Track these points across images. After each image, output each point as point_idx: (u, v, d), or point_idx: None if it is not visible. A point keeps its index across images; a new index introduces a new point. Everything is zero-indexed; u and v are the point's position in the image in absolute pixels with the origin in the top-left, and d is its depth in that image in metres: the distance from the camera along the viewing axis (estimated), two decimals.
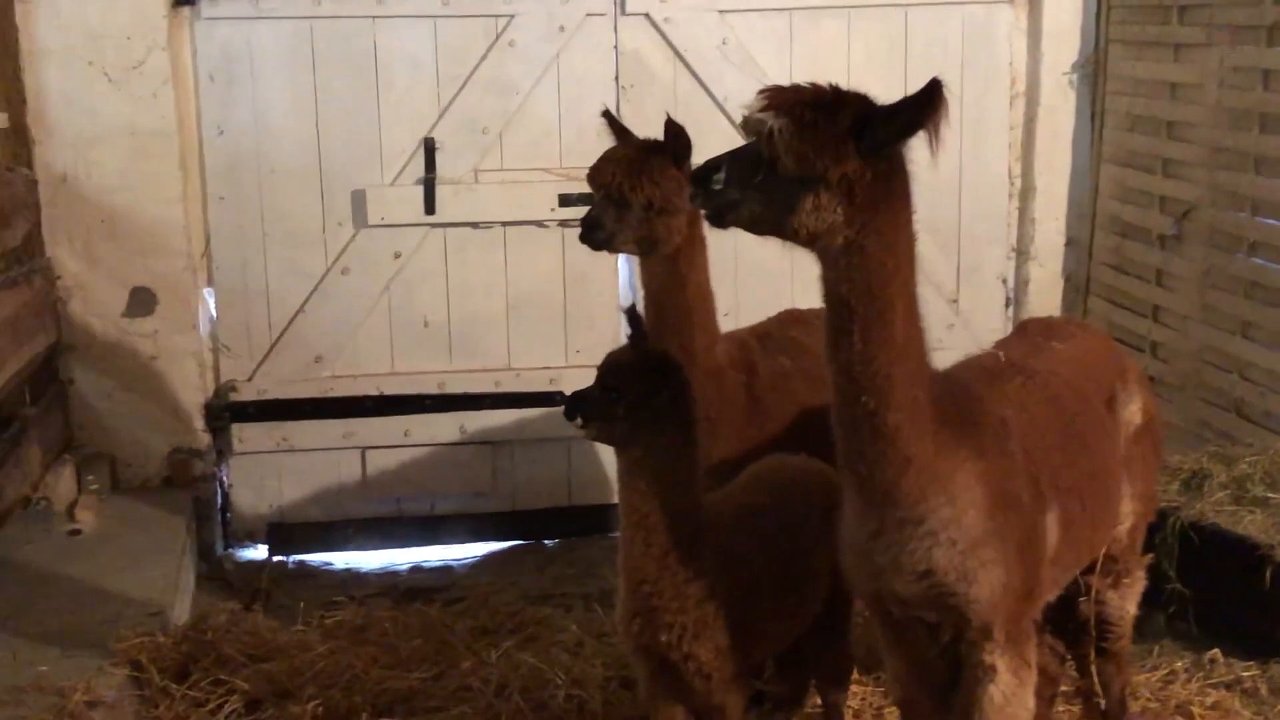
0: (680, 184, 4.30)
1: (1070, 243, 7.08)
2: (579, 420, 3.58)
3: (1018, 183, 7.04)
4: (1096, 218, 6.98)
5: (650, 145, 4.39)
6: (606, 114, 4.63)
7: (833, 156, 3.00)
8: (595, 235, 4.35)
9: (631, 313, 3.71)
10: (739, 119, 6.39)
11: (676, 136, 4.34)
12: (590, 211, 4.38)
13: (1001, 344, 4.09)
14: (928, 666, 3.58)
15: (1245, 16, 5.82)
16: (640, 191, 4.26)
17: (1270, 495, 4.99)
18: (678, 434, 3.58)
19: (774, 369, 4.70)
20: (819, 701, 4.30)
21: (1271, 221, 5.75)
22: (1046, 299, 7.10)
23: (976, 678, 3.43)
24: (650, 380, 3.56)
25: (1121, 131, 6.76)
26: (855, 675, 4.52)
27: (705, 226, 4.44)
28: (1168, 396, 6.16)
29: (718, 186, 3.08)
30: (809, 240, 3.09)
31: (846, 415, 3.18)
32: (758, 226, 3.13)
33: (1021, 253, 7.09)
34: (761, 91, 3.07)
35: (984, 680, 3.42)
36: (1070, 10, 6.86)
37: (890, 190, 3.10)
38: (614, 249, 4.43)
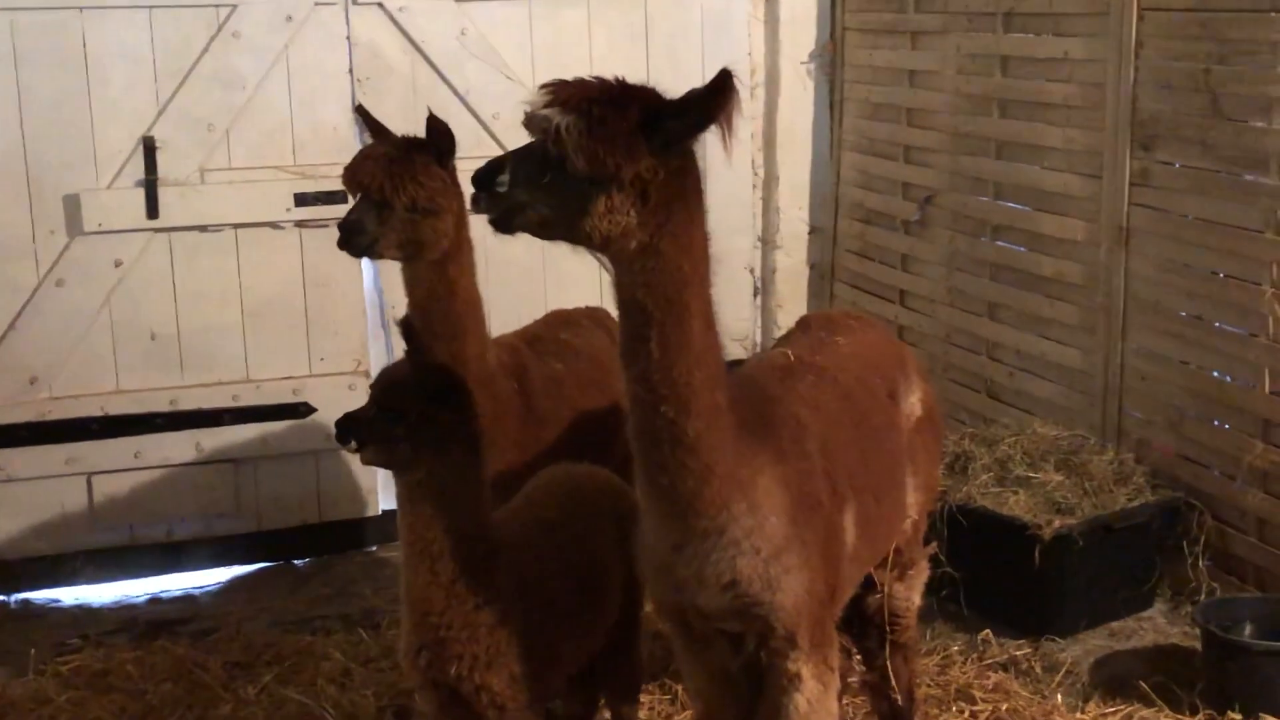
0: (445, 183, 4.08)
1: (814, 230, 7.15)
2: (353, 444, 3.31)
3: (761, 172, 7.06)
4: (840, 205, 7.06)
5: (412, 142, 4.14)
6: (360, 109, 4.37)
7: (625, 154, 2.83)
8: (357, 240, 4.06)
9: (406, 325, 3.47)
10: (481, 111, 6.28)
11: (440, 134, 4.10)
12: (349, 214, 4.09)
13: (786, 341, 4.02)
14: (730, 679, 3.50)
15: (980, 3, 5.95)
16: (404, 192, 4.00)
17: (1032, 475, 5.11)
18: (463, 453, 3.37)
19: (546, 373, 4.54)
20: (608, 716, 4.16)
21: (1013, 205, 5.90)
22: (793, 287, 7.16)
23: (781, 687, 3.36)
24: (431, 398, 3.33)
25: (861, 119, 6.84)
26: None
27: (471, 228, 4.28)
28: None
29: (502, 189, 2.87)
30: (603, 244, 2.92)
31: (646, 426, 3.04)
32: (546, 231, 2.94)
33: (767, 242, 7.12)
34: (544, 86, 2.87)
35: (789, 689, 3.36)
36: None
37: (684, 189, 2.96)
38: (376, 254, 4.16)
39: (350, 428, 3.28)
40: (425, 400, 3.29)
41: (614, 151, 2.82)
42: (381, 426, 3.27)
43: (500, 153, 6.07)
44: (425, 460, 3.29)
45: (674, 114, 2.87)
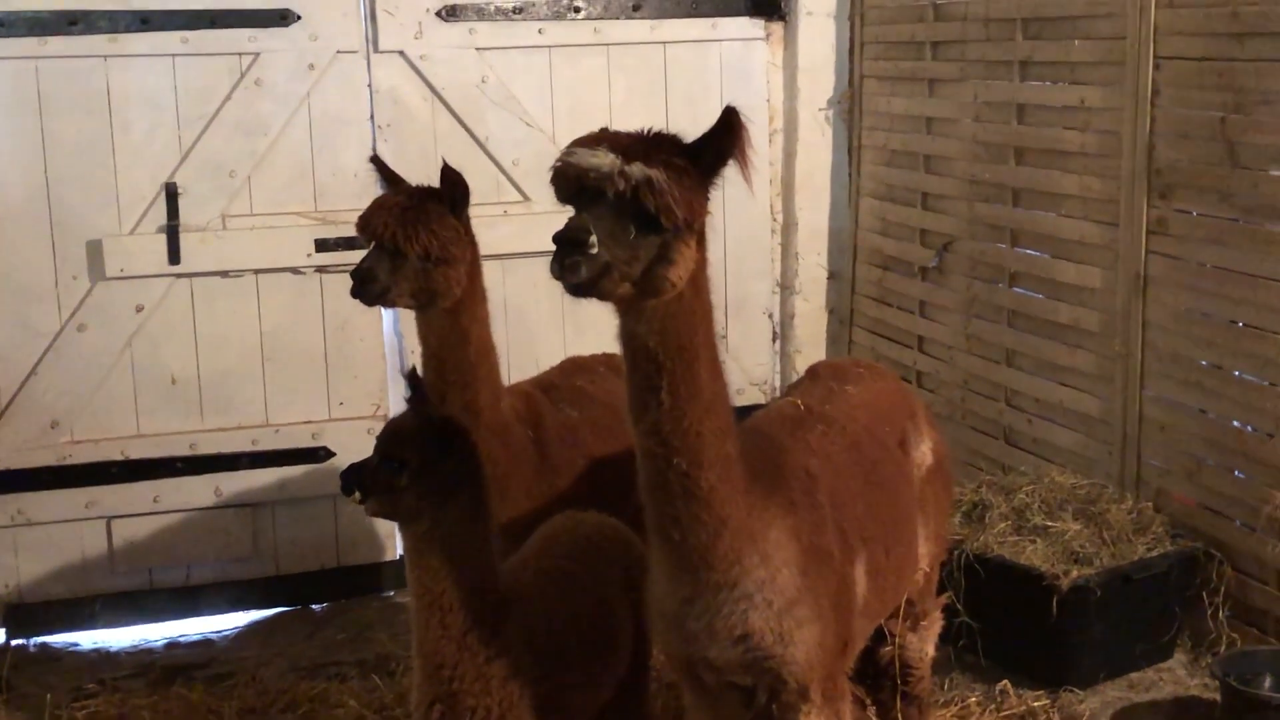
0: (459, 233, 4.11)
1: (833, 276, 7.15)
2: (357, 495, 3.32)
3: (779, 218, 7.08)
4: (858, 251, 7.06)
5: (426, 192, 4.16)
6: (375, 159, 4.39)
7: (703, 200, 2.85)
8: (369, 289, 4.09)
9: (412, 376, 3.48)
10: (501, 158, 6.33)
11: (454, 183, 4.13)
12: (362, 263, 4.11)
13: (796, 390, 4.02)
14: None
15: (997, 52, 5.96)
16: (416, 241, 4.02)
17: (1049, 524, 5.07)
18: (468, 504, 3.36)
19: (561, 421, 4.54)
20: None
21: (1031, 252, 5.89)
22: (812, 332, 7.16)
23: None
24: (435, 448, 3.33)
25: (879, 166, 6.86)
26: None
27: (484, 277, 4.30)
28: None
29: (594, 250, 2.72)
30: (668, 292, 2.84)
31: (657, 479, 3.03)
32: (624, 288, 2.80)
33: (786, 287, 7.12)
34: (595, 141, 2.82)
35: None
36: (824, 47, 6.94)
37: (701, 230, 2.97)
38: (389, 303, 4.18)
39: (354, 478, 3.29)
40: (428, 451, 3.30)
41: (698, 198, 2.83)
42: (385, 477, 3.28)
43: (519, 197, 6.24)
44: (429, 511, 3.29)
45: (711, 155, 2.88)
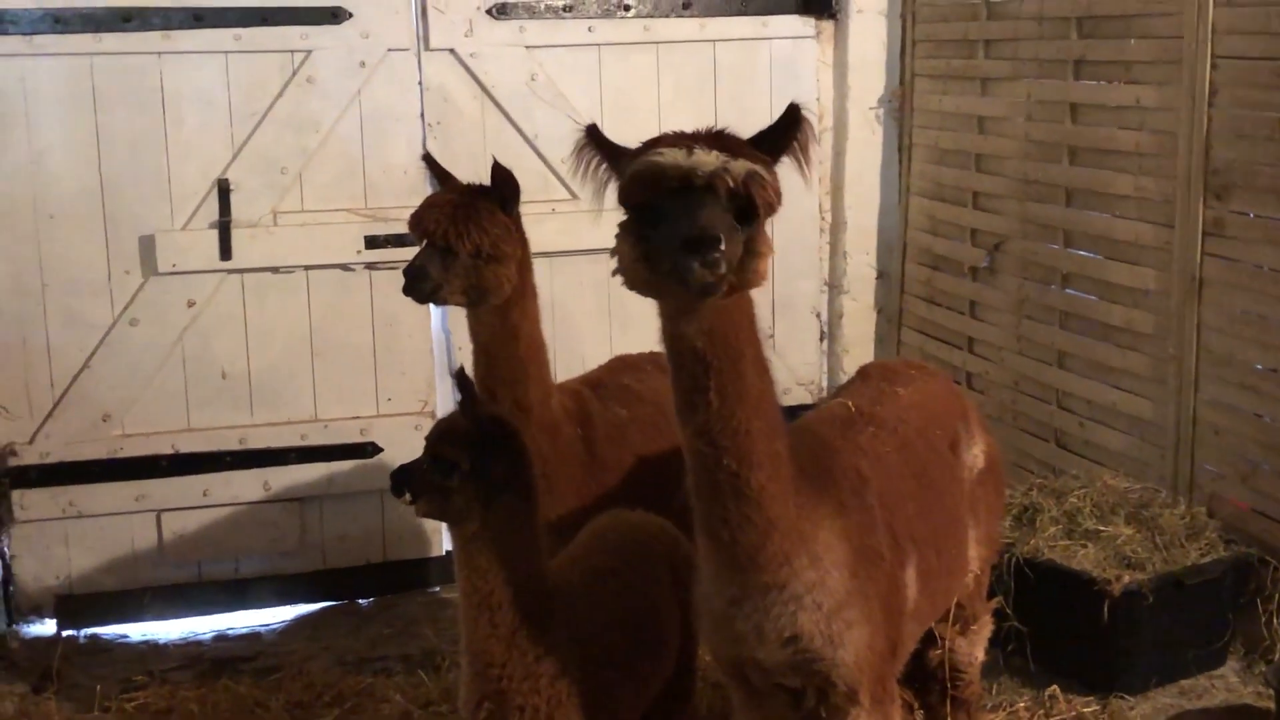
0: (509, 230, 4.12)
1: (881, 275, 7.11)
2: (407, 496, 3.33)
3: (828, 217, 7.04)
4: (907, 250, 7.02)
5: (477, 190, 4.18)
6: (427, 157, 4.40)
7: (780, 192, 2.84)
8: (421, 286, 4.10)
9: (461, 376, 3.47)
10: (549, 156, 6.32)
11: (504, 181, 4.14)
12: (414, 260, 4.13)
13: (846, 392, 4.00)
14: None
15: (1051, 50, 5.90)
16: (468, 239, 4.04)
17: (1101, 528, 5.02)
18: (517, 505, 3.36)
19: (610, 419, 4.54)
20: None
21: (1083, 253, 5.84)
22: (860, 332, 7.12)
23: None
24: (485, 449, 3.33)
25: (930, 165, 6.81)
26: None
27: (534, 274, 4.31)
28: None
29: (724, 247, 2.68)
30: (761, 282, 2.83)
31: (706, 480, 3.01)
32: (722, 284, 2.75)
33: (834, 286, 7.09)
34: (696, 141, 2.79)
35: None
36: (875, 45, 6.89)
37: None
38: (441, 300, 4.19)
39: (404, 479, 3.30)
40: (479, 452, 3.30)
41: (779, 190, 2.83)
42: (435, 478, 3.28)
43: (567, 195, 6.24)
44: (479, 512, 3.29)
45: (772, 149, 2.88)
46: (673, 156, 2.74)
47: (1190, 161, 5.18)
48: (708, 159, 2.72)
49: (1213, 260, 5.17)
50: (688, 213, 2.70)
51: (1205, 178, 5.14)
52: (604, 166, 2.97)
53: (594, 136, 2.95)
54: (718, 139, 2.81)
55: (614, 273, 2.93)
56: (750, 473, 2.98)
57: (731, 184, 2.72)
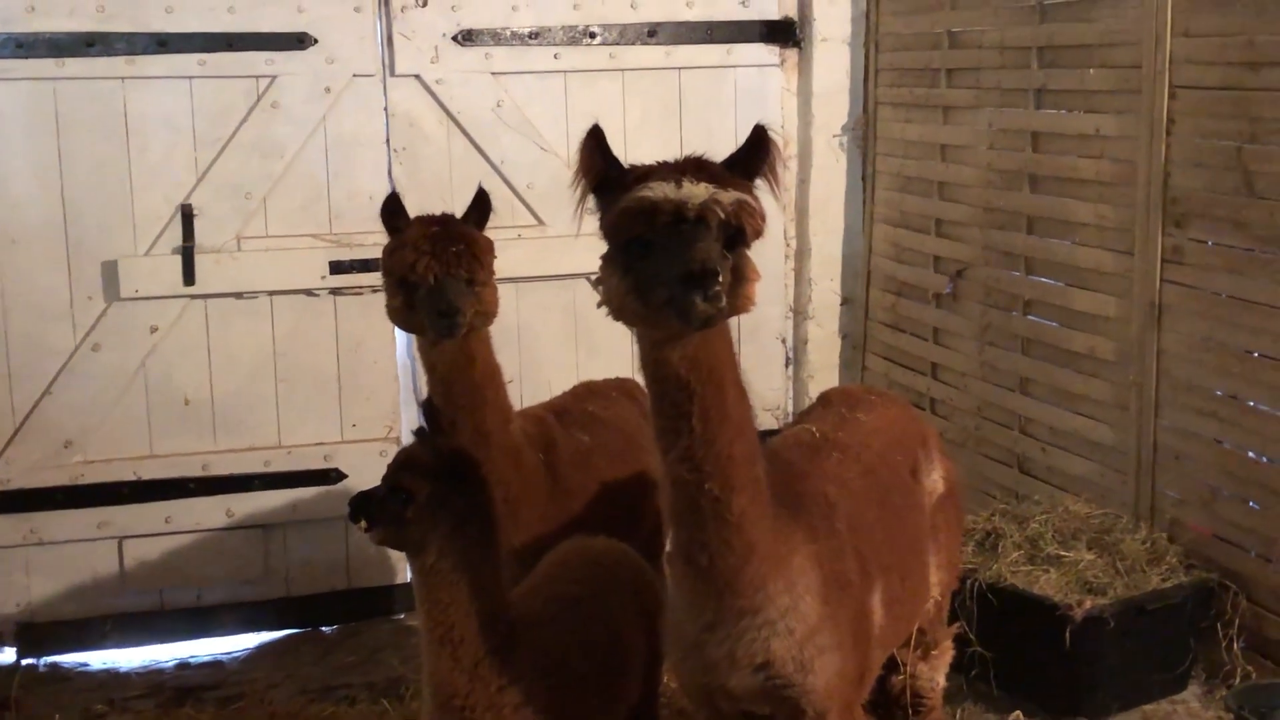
0: (489, 249, 4.19)
1: (846, 302, 7.14)
2: (364, 523, 3.32)
3: (793, 243, 7.07)
4: (871, 277, 7.05)
5: (454, 218, 4.30)
6: (392, 198, 4.40)
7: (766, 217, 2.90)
8: (460, 321, 4.09)
9: (429, 406, 3.48)
10: (515, 182, 6.33)
11: (486, 205, 4.29)
12: (446, 300, 4.08)
13: (809, 417, 4.02)
14: None
15: (1012, 80, 5.96)
16: (482, 267, 4.17)
17: (1063, 553, 5.04)
18: (476, 536, 3.36)
19: (574, 445, 4.55)
20: None
21: (1044, 280, 5.88)
22: (825, 357, 7.14)
23: None
24: (444, 480, 3.33)
25: (893, 192, 6.85)
26: None
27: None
28: (950, 453, 6.22)
29: (720, 286, 2.70)
30: (750, 306, 2.88)
31: (687, 505, 3.01)
32: (721, 316, 2.80)
33: (799, 312, 7.11)
34: (682, 172, 2.81)
35: None
36: (839, 73, 6.93)
37: None
38: (458, 331, 4.15)
39: (361, 506, 3.30)
40: (437, 483, 3.30)
41: (765, 214, 2.89)
42: (392, 507, 3.28)
43: (533, 221, 6.25)
44: (436, 543, 3.29)
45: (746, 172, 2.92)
46: (662, 190, 2.77)
47: (1149, 190, 5.24)
48: (698, 191, 2.75)
49: (1172, 287, 5.22)
50: (682, 246, 2.72)
51: (1164, 206, 5.19)
52: (587, 191, 2.96)
53: (598, 138, 2.93)
54: (699, 168, 2.84)
55: (600, 304, 2.95)
56: (732, 497, 2.99)
57: (722, 215, 2.75)
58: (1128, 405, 5.42)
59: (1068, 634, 4.74)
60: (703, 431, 2.92)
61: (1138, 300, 5.34)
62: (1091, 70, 5.52)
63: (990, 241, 6.14)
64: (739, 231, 2.80)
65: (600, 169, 2.92)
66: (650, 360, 2.92)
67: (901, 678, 4.08)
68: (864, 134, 6.99)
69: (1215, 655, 4.99)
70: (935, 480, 4.09)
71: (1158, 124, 5.17)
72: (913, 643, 4.06)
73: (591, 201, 2.98)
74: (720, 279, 2.68)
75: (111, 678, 5.84)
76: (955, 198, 6.41)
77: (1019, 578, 4.98)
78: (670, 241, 2.74)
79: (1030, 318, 5.97)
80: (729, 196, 2.76)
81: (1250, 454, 4.98)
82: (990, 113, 6.10)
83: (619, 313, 2.89)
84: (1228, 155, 4.92)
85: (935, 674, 4.21)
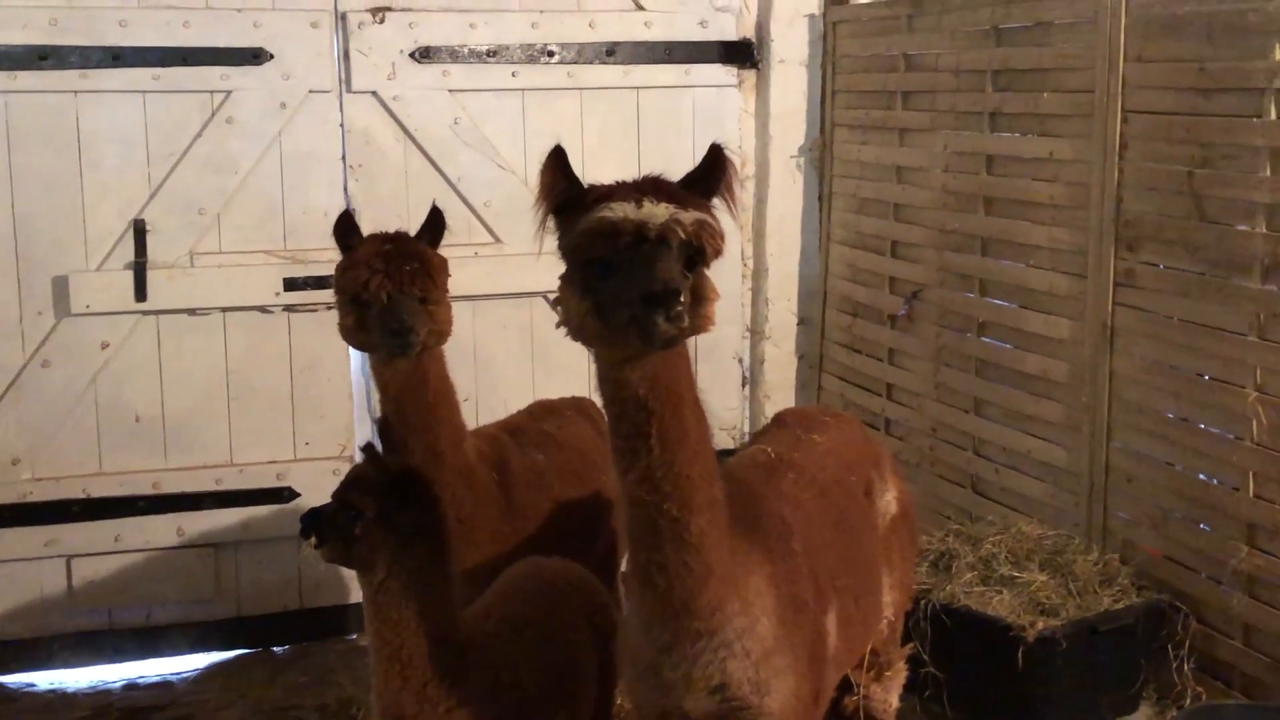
0: (443, 267, 4.18)
1: (803, 322, 7.16)
2: (313, 540, 3.30)
3: (750, 263, 7.09)
4: (828, 298, 7.08)
5: (408, 236, 4.25)
6: (345, 215, 4.37)
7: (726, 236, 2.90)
8: (413, 339, 4.07)
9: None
10: (472, 199, 6.32)
11: (440, 223, 4.27)
12: (400, 319, 4.05)
13: (763, 438, 4.01)
14: None
15: (967, 103, 6.00)
16: (436, 286, 4.14)
17: (1016, 574, 5.06)
18: (426, 555, 3.34)
19: (528, 465, 4.53)
20: None
21: (998, 302, 5.91)
22: (781, 378, 7.16)
23: None
24: (393, 498, 3.31)
25: (850, 214, 6.88)
26: None
27: None
28: (905, 473, 6.24)
29: (682, 306, 2.71)
30: (710, 326, 2.88)
31: (646, 526, 2.99)
32: (683, 336, 2.81)
33: (756, 332, 7.13)
34: (643, 193, 2.81)
35: None
36: (796, 95, 6.97)
37: None
38: (412, 350, 4.13)
39: (310, 523, 3.28)
40: (386, 501, 3.28)
41: (725, 233, 2.89)
42: (341, 525, 3.27)
43: (490, 239, 6.23)
44: (385, 561, 3.27)
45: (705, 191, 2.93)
46: (623, 211, 2.76)
47: (1102, 213, 5.28)
48: (659, 211, 2.75)
49: (1124, 310, 5.25)
50: (643, 266, 2.72)
51: (1116, 229, 5.23)
52: (548, 212, 2.95)
53: (560, 159, 2.92)
54: (659, 188, 2.83)
55: (559, 324, 2.93)
56: (691, 518, 2.97)
57: (683, 235, 2.75)
58: (1080, 427, 5.45)
59: (1020, 655, 4.74)
60: (661, 452, 2.91)
61: (1090, 323, 5.37)
62: (1045, 94, 5.57)
63: (945, 263, 6.17)
64: (699, 251, 2.80)
65: (562, 190, 2.91)
66: (609, 380, 2.91)
67: (855, 698, 4.08)
68: (821, 155, 7.02)
69: (1166, 676, 5.02)
70: (889, 501, 4.10)
71: (1110, 148, 5.22)
72: (866, 663, 4.06)
73: (552, 221, 2.96)
74: (682, 299, 2.68)
75: (58, 698, 5.76)
76: (911, 219, 6.44)
77: (972, 598, 4.99)
78: (631, 262, 2.74)
79: (984, 339, 6.00)
80: (690, 216, 2.76)
81: (1201, 476, 5.02)
82: (946, 135, 6.14)
83: (578, 333, 2.88)
84: (1179, 180, 4.97)
85: (888, 695, 4.21)
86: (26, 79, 5.75)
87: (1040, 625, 4.80)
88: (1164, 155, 5.06)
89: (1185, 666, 4.96)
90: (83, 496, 5.96)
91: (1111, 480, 5.35)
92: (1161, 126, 5.05)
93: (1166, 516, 5.14)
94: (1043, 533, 5.37)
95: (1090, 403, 5.39)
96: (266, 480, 6.17)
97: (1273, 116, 4.60)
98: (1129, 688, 5.04)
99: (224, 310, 6.09)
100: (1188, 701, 4.89)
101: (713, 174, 2.91)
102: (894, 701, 4.25)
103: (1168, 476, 5.14)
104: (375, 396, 6.09)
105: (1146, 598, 5.06)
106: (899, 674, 4.27)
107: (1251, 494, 4.74)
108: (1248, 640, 4.82)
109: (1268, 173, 4.63)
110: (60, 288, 5.87)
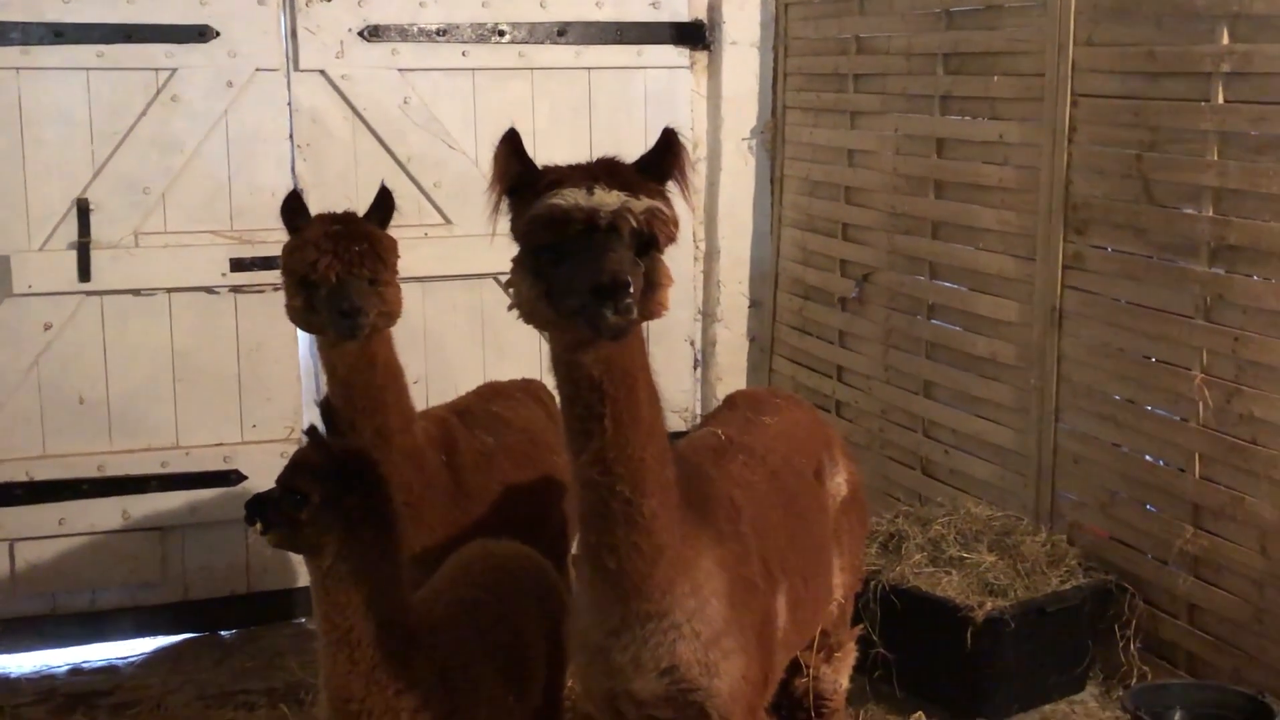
0: (392, 248, 4.13)
1: (754, 305, 7.16)
2: (259, 526, 3.26)
3: (702, 246, 7.08)
4: (779, 280, 7.08)
5: (356, 216, 4.20)
6: (293, 195, 4.31)
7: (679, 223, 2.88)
8: (363, 322, 4.01)
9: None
10: (422, 180, 6.27)
11: (389, 204, 4.22)
12: (350, 300, 4.00)
13: (714, 420, 4.01)
14: None
15: (918, 86, 6.01)
16: (386, 266, 4.09)
17: (965, 555, 5.09)
18: (374, 538, 3.30)
19: (477, 447, 4.50)
20: None
21: (948, 284, 5.93)
22: (733, 360, 7.16)
23: None
24: (338, 481, 3.28)
25: (801, 196, 6.88)
26: None
27: None
28: (855, 455, 6.25)
29: (630, 299, 2.68)
30: (664, 312, 2.88)
31: (598, 508, 2.98)
32: (633, 326, 2.79)
33: (708, 315, 7.12)
34: (595, 179, 2.78)
35: None
36: (748, 77, 6.96)
37: None
38: (361, 332, 4.08)
39: (256, 508, 3.24)
40: (331, 485, 3.25)
41: (678, 220, 2.86)
42: (286, 509, 3.23)
43: (440, 220, 6.18)
44: (332, 545, 3.25)
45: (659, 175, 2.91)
46: (574, 198, 2.74)
47: (1051, 196, 5.30)
48: (609, 199, 2.73)
49: (1072, 293, 5.29)
50: (593, 255, 2.70)
51: (1065, 213, 5.26)
52: (502, 195, 2.91)
53: (514, 142, 2.88)
54: (611, 172, 2.81)
55: (510, 308, 2.91)
56: (643, 500, 2.96)
57: (634, 223, 2.73)
58: (1028, 409, 5.48)
59: (969, 635, 4.78)
60: (614, 434, 2.89)
61: (1039, 305, 5.40)
62: (996, 77, 5.59)
63: (895, 246, 6.19)
64: (652, 238, 2.78)
65: (516, 173, 2.88)
66: (562, 363, 2.89)
67: (804, 680, 4.08)
68: (772, 138, 7.02)
69: (1112, 656, 5.07)
70: (839, 483, 4.10)
71: (1060, 132, 5.24)
72: (816, 645, 4.06)
73: (505, 203, 2.94)
74: (631, 290, 2.66)
75: (1, 683, 5.68)
76: (862, 202, 6.45)
77: (921, 580, 5.02)
78: (582, 250, 2.72)
79: (934, 322, 6.02)
80: (641, 205, 2.74)
81: (1147, 458, 5.07)
82: (896, 118, 6.15)
83: (529, 317, 2.87)
84: (1127, 163, 5.00)
85: (838, 676, 4.22)
86: None
87: (989, 606, 4.84)
88: (1113, 139, 5.09)
89: (1131, 646, 5.02)
90: (26, 480, 5.87)
91: (1059, 462, 5.39)
92: (1110, 110, 5.08)
93: (1113, 498, 5.19)
94: (991, 514, 5.41)
95: (1038, 385, 5.42)
96: (213, 463, 6.10)
97: (1220, 100, 4.64)
98: (1076, 667, 5.10)
99: (169, 291, 6.01)
100: (1134, 681, 4.94)
101: (665, 159, 2.89)
102: (844, 682, 4.26)
103: (1114, 458, 5.18)
104: (323, 378, 6.11)
105: (1093, 578, 5.10)
106: (849, 655, 4.28)
107: (1197, 475, 4.79)
108: (1193, 620, 4.88)
109: (1215, 156, 4.67)
110: (2, 268, 5.77)
